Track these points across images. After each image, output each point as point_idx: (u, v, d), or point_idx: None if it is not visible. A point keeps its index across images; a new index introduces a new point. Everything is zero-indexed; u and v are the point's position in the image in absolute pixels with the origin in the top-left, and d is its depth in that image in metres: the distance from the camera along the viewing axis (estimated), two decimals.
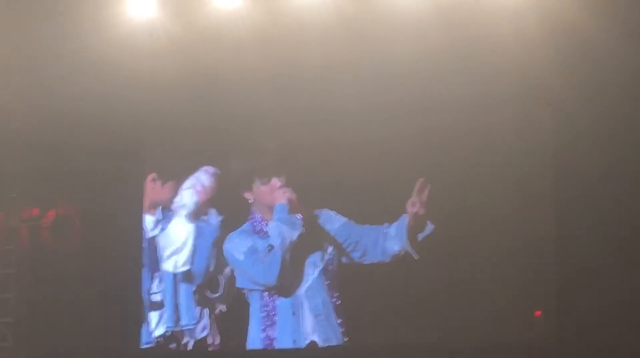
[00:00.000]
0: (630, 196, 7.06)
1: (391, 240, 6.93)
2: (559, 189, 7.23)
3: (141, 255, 7.78)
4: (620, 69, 7.06)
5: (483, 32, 7.30)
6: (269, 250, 6.99)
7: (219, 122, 7.77)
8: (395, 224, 6.91)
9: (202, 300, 7.62)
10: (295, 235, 6.94)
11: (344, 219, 7.11)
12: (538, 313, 7.12)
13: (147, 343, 7.67)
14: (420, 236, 6.90)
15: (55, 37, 7.84)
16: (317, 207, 7.19)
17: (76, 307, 8.00)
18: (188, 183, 7.64)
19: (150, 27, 7.68)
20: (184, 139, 7.85)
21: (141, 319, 7.73)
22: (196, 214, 7.66)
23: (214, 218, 7.64)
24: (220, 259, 7.45)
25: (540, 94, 7.32)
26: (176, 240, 7.66)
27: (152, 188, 7.75)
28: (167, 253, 7.65)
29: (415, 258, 6.93)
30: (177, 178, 7.76)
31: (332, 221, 7.12)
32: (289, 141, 7.44)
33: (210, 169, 7.63)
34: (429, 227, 6.91)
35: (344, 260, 7.10)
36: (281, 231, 6.95)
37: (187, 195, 7.63)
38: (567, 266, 7.12)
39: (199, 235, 7.62)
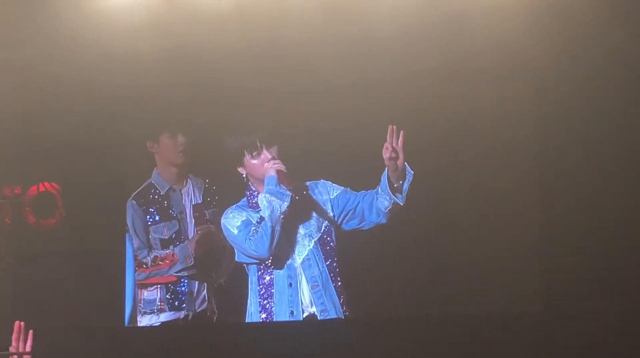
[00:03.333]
0: (612, 166, 7.22)
1: (380, 196, 6.93)
2: (541, 159, 7.37)
3: (125, 231, 7.72)
4: (602, 40, 7.20)
5: (463, 6, 7.39)
6: (259, 222, 6.95)
7: (202, 99, 7.74)
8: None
9: (201, 273, 7.63)
10: (284, 206, 6.91)
11: (340, 188, 7.13)
12: None
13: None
14: (405, 186, 6.89)
15: (31, 15, 7.76)
16: (311, 178, 7.20)
17: (60, 284, 7.95)
18: None
19: (130, 4, 7.65)
20: (168, 117, 7.80)
21: (123, 296, 7.68)
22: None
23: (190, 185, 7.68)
24: None
25: (521, 67, 7.42)
26: None
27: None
28: None
29: (401, 204, 6.91)
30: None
31: (329, 190, 7.14)
32: (277, 115, 7.43)
33: None
34: (409, 173, 6.88)
35: (343, 228, 7.11)
36: (270, 202, 6.92)
37: None
38: (553, 231, 7.27)
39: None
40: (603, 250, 7.16)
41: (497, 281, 7.27)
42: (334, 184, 7.16)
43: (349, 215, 7.08)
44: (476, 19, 7.35)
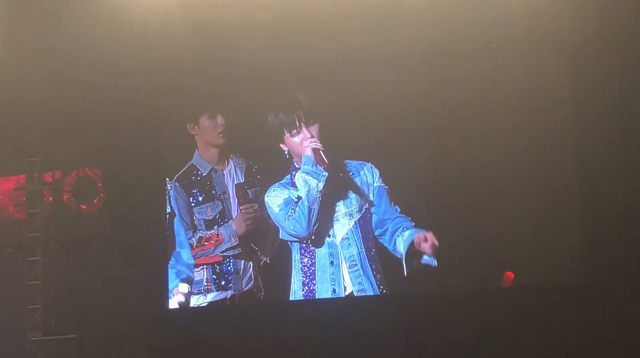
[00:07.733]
0: None
1: (399, 245, 6.93)
2: (578, 128, 7.22)
3: (165, 214, 7.69)
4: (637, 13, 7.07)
5: None
6: (297, 201, 6.92)
7: (240, 79, 7.69)
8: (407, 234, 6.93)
9: (246, 252, 7.61)
10: (320, 185, 6.85)
11: (382, 185, 7.09)
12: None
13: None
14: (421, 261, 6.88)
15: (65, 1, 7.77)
16: (354, 156, 7.14)
17: (101, 269, 8.02)
18: None
19: None
20: (206, 98, 7.75)
21: (167, 279, 7.66)
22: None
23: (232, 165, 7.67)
24: None
25: (552, 35, 7.29)
26: None
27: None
28: None
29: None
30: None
31: (375, 177, 7.09)
32: (319, 92, 7.34)
33: None
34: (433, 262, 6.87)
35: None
36: (306, 181, 6.89)
37: None
38: (593, 202, 7.14)
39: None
40: None
41: (536, 256, 7.14)
42: (379, 176, 7.09)
43: (379, 224, 7.03)
44: None
